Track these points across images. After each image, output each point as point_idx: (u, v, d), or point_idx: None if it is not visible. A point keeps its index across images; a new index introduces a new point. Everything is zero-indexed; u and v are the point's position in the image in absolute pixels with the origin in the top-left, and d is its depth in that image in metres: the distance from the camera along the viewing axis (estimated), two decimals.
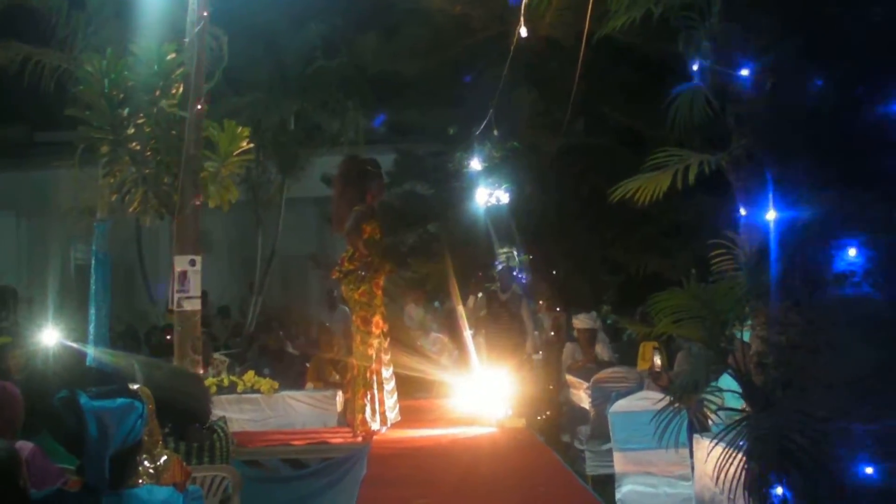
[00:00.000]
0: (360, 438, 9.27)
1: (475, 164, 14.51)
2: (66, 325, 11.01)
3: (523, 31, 9.20)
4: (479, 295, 13.02)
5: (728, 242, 5.11)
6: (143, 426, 4.03)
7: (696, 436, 5.58)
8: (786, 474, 4.36)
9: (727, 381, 5.19)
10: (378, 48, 15.96)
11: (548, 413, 11.89)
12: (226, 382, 10.40)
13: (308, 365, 11.73)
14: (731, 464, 4.55)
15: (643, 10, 5.16)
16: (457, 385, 10.72)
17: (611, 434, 8.20)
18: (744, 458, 4.52)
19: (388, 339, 9.75)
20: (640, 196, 5.24)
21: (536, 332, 12.86)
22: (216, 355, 12.74)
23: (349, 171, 9.76)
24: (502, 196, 14.60)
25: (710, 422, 5.40)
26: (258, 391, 10.35)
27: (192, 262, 8.72)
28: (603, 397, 9.77)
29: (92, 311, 10.71)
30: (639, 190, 5.23)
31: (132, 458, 3.96)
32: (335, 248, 21.69)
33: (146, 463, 4.30)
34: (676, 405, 4.92)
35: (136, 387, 4.44)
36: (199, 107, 8.89)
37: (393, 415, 9.64)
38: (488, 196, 14.65)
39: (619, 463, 7.99)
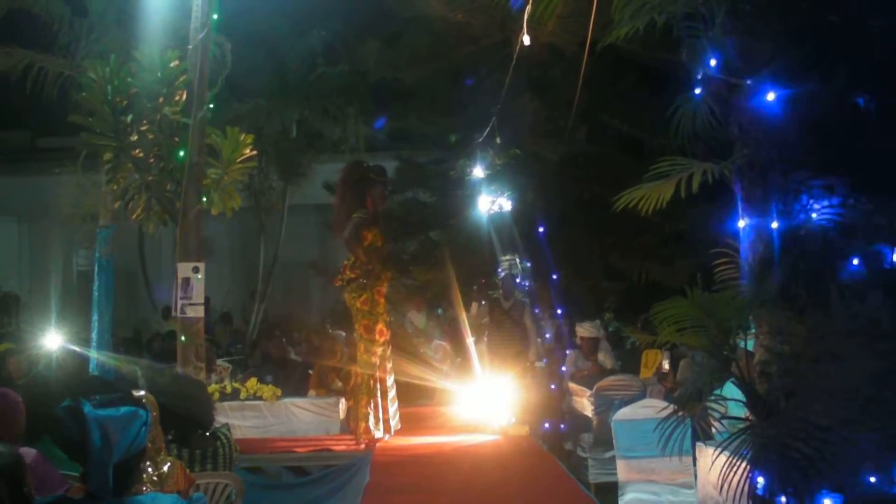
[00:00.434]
0: (362, 446, 9.26)
1: (477, 172, 14.50)
2: (68, 331, 11.03)
3: (526, 39, 9.18)
4: (482, 302, 13.01)
5: (730, 251, 5.11)
6: (147, 434, 4.02)
7: (699, 444, 5.57)
8: (789, 483, 4.36)
9: (730, 390, 5.19)
10: (380, 55, 16.00)
11: (551, 421, 11.87)
12: (229, 389, 10.39)
13: (311, 372, 11.71)
14: (735, 472, 4.55)
15: (647, 19, 5.15)
16: (459, 392, 10.71)
17: (614, 442, 8.20)
18: (748, 467, 4.51)
19: (390, 347, 9.75)
20: (644, 205, 5.24)
21: (539, 340, 12.86)
22: (219, 362, 12.75)
23: (350, 176, 9.73)
24: (504, 203, 14.57)
25: (713, 430, 5.39)
26: (261, 398, 10.33)
27: (196, 269, 8.71)
28: (606, 405, 9.77)
29: (94, 317, 10.73)
30: (642, 199, 5.23)
31: (136, 465, 3.95)
32: (337, 255, 21.70)
33: (150, 470, 4.30)
34: (681, 413, 4.92)
35: (140, 394, 4.45)
36: (202, 113, 8.89)
37: (394, 423, 9.64)
38: (490, 203, 14.62)
39: (623, 471, 7.99)
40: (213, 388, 9.95)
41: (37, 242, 23.46)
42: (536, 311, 13.74)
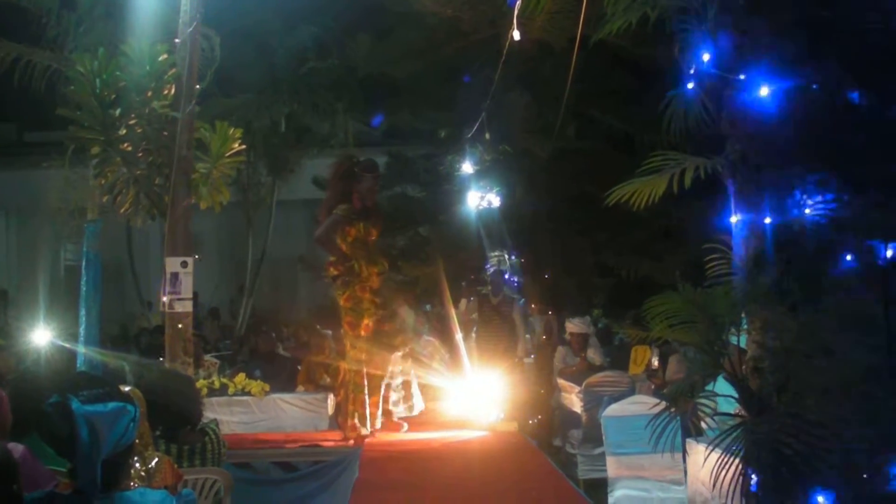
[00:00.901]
0: (351, 442, 9.23)
1: (467, 168, 14.49)
2: (56, 326, 10.97)
3: (516, 35, 9.16)
4: (471, 298, 12.99)
5: (722, 247, 5.08)
6: (136, 429, 3.98)
7: (689, 440, 5.56)
8: (782, 480, 4.34)
9: (722, 386, 5.17)
10: (369, 51, 15.96)
11: (539, 417, 11.86)
12: (217, 384, 10.33)
13: (299, 367, 11.67)
14: (727, 469, 4.53)
15: (640, 13, 5.13)
16: (448, 388, 10.68)
17: (604, 438, 8.18)
18: (740, 463, 4.49)
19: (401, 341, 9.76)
20: (636, 200, 5.21)
21: (528, 336, 12.85)
22: (207, 357, 12.69)
23: (336, 172, 9.69)
24: (494, 199, 14.56)
25: (703, 426, 5.38)
26: (249, 393, 10.28)
27: (184, 264, 8.67)
28: (595, 401, 9.75)
29: (82, 312, 10.66)
30: (634, 193, 5.21)
31: (124, 461, 3.91)
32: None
33: (137, 465, 4.26)
34: (672, 410, 4.90)
35: (127, 389, 4.40)
36: (190, 107, 8.83)
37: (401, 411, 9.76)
38: (480, 199, 14.61)
39: (612, 467, 7.98)
40: (201, 383, 9.89)
41: (24, 237, 23.36)
42: (521, 303, 13.74)
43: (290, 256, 20.96)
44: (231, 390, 10.27)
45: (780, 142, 4.61)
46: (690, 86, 5.06)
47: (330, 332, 13.58)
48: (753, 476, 4.49)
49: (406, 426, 9.79)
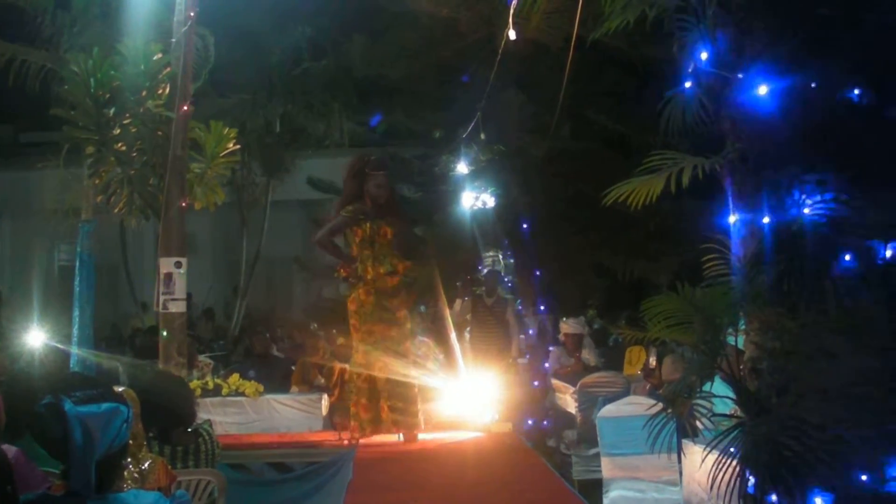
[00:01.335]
0: (345, 442, 9.18)
1: (462, 168, 14.45)
2: (50, 327, 10.92)
3: (511, 35, 9.14)
4: (465, 299, 12.96)
5: (720, 247, 5.04)
6: (129, 430, 3.95)
7: (685, 441, 5.51)
8: (780, 481, 4.30)
9: (719, 387, 5.14)
10: (365, 51, 15.88)
11: (534, 418, 11.84)
12: (210, 385, 10.28)
13: (293, 368, 11.63)
14: (725, 470, 4.49)
15: (638, 12, 5.09)
16: (442, 389, 10.64)
17: (598, 439, 8.14)
18: (737, 465, 4.46)
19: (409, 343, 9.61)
20: (633, 199, 5.17)
21: (522, 336, 12.82)
22: (201, 358, 12.64)
23: (350, 171, 9.59)
24: (488, 200, 14.53)
25: (699, 427, 5.34)
26: (243, 394, 10.23)
27: (178, 264, 8.62)
28: (589, 402, 9.73)
29: (76, 312, 10.62)
30: (632, 193, 5.16)
31: (118, 462, 3.88)
32: (319, 250, 21.68)
33: (131, 467, 4.22)
34: (669, 410, 4.86)
35: (121, 389, 4.36)
36: (185, 107, 8.79)
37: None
38: (474, 199, 14.57)
39: (607, 468, 7.93)
40: (194, 383, 9.85)
41: (18, 237, 23.29)
42: (520, 307, 13.71)
43: (285, 257, 20.92)
44: (225, 391, 10.23)
45: (779, 141, 4.58)
46: (689, 85, 5.02)
47: (322, 332, 13.57)
48: (751, 477, 4.45)
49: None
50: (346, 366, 11.54)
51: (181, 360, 8.67)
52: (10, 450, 4.28)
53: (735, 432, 4.55)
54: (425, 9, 12.78)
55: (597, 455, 8.42)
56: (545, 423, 11.81)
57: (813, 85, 4.50)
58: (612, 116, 14.23)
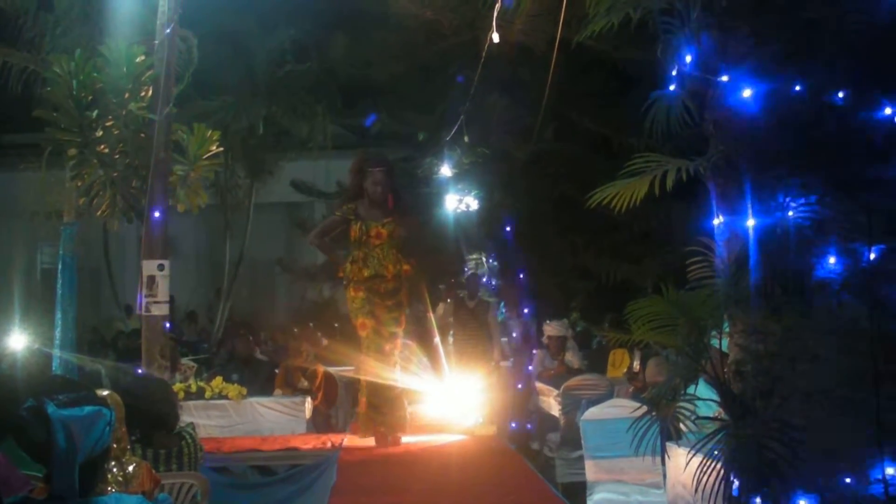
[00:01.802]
0: (328, 445, 9.16)
1: (445, 170, 14.43)
2: (32, 330, 10.87)
3: (495, 37, 9.14)
4: (448, 301, 12.96)
5: (704, 249, 5.05)
6: (112, 433, 3.93)
7: (669, 443, 5.52)
8: (765, 484, 4.31)
9: (703, 390, 5.14)
10: (348, 53, 15.86)
11: (518, 420, 11.85)
12: (193, 388, 10.25)
13: (276, 371, 11.61)
14: (709, 473, 4.49)
15: (622, 14, 5.09)
16: (426, 392, 10.63)
17: (582, 442, 8.13)
18: (722, 468, 4.46)
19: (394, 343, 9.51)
20: (617, 202, 5.16)
21: (505, 339, 12.82)
22: (184, 361, 12.61)
23: (351, 169, 9.54)
24: (472, 202, 14.52)
25: (683, 430, 5.34)
26: (226, 397, 10.21)
27: (161, 267, 8.60)
28: (573, 405, 9.72)
29: (58, 315, 10.57)
30: (616, 196, 5.16)
31: (101, 465, 3.87)
32: (303, 253, 21.65)
33: (115, 470, 4.21)
34: (653, 413, 4.86)
35: (104, 393, 4.34)
36: (168, 110, 8.76)
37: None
38: (458, 202, 14.57)
39: (591, 471, 7.93)
40: (177, 386, 9.81)
41: (0, 240, 23.16)
42: (503, 310, 13.71)
43: (268, 259, 20.89)
44: (208, 394, 10.20)
45: (763, 143, 4.58)
46: (673, 87, 5.02)
47: (305, 335, 13.54)
48: (735, 480, 4.45)
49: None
50: (330, 369, 11.57)
51: (164, 362, 8.64)
52: None
53: (719, 435, 4.55)
54: (408, 11, 12.78)
55: (580, 458, 8.41)
56: (529, 425, 11.82)
57: (797, 88, 4.50)
58: (596, 119, 14.26)
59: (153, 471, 4.61)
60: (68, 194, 10.51)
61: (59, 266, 10.70)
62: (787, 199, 4.49)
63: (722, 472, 4.46)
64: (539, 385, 11.54)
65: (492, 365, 11.97)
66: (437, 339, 11.56)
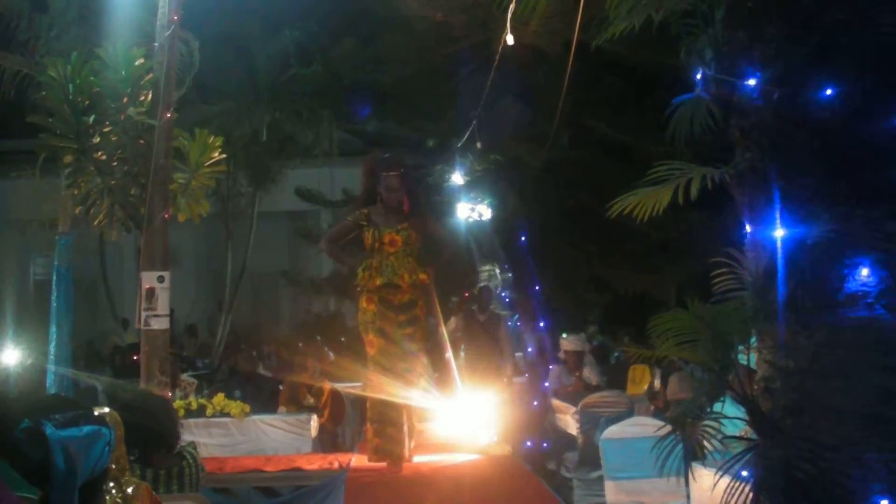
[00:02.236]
0: (335, 465, 9.14)
1: (456, 178, 14.45)
2: (25, 345, 10.87)
3: (509, 40, 9.12)
4: (459, 315, 12.92)
5: (729, 260, 5.03)
6: (111, 453, 3.92)
7: (694, 464, 5.50)
8: None
9: (728, 408, 5.12)
10: (355, 56, 15.92)
11: (534, 439, 11.81)
12: (194, 405, 10.26)
13: (281, 388, 11.60)
14: (736, 495, 4.47)
15: (644, 16, 5.08)
16: (437, 409, 10.60)
17: (602, 462, 8.13)
18: (750, 490, 4.43)
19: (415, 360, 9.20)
20: (639, 212, 5.15)
21: (520, 354, 12.80)
22: (184, 377, 12.60)
23: (363, 171, 9.35)
24: (484, 211, 14.53)
25: (709, 449, 5.32)
26: (228, 415, 10.21)
27: (161, 279, 8.58)
28: (592, 423, 9.70)
29: (53, 329, 10.57)
30: (637, 205, 5.14)
31: (99, 487, 3.86)
32: (308, 264, 21.70)
33: (113, 492, 4.20)
34: (677, 432, 4.84)
35: (102, 411, 4.33)
36: (168, 115, 8.76)
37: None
38: (470, 211, 14.57)
39: (611, 492, 7.92)
40: (177, 403, 9.82)
41: None
42: (519, 323, 13.68)
43: (272, 271, 20.93)
44: (209, 411, 10.20)
45: (792, 150, 4.56)
46: (696, 92, 5.01)
47: (311, 349, 13.54)
48: (764, 502, 4.42)
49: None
50: (336, 385, 11.54)
51: (164, 378, 8.62)
52: None
53: (747, 455, 4.52)
54: (417, 12, 12.80)
55: (600, 479, 8.40)
56: (545, 444, 11.78)
57: (828, 92, 4.48)
58: (613, 125, 14.28)
59: (153, 492, 4.60)
60: (64, 203, 10.52)
61: (54, 278, 10.70)
62: (818, 209, 4.46)
63: (749, 494, 4.44)
64: (555, 402, 11.51)
65: (504, 381, 11.95)
66: (450, 354, 11.53)
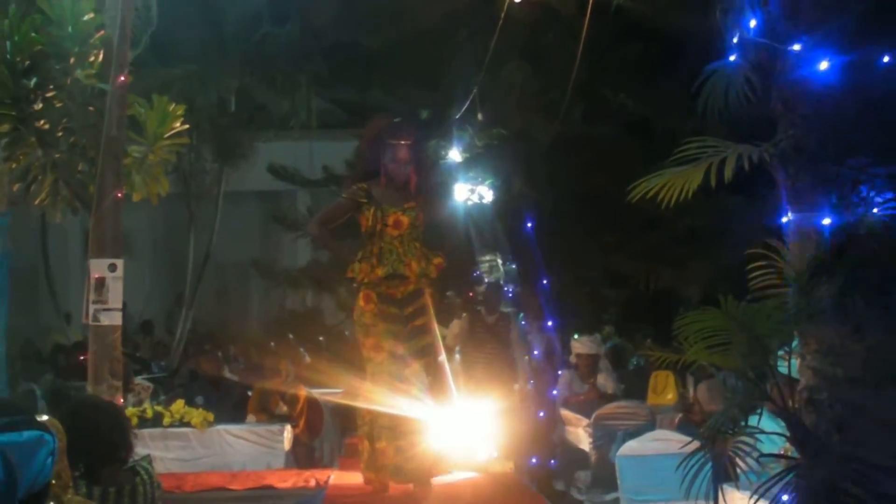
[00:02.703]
0: (312, 482, 9.14)
1: (454, 155, 14.44)
2: None
3: None
4: (464, 316, 12.88)
5: (767, 252, 5.02)
6: (54, 465, 3.91)
7: (725, 486, 5.50)
8: None
9: (766, 422, 5.12)
10: (337, 15, 15.88)
11: (540, 455, 11.84)
12: (149, 413, 10.25)
13: (249, 394, 11.61)
14: None
15: None
16: (431, 421, 10.61)
17: (618, 482, 8.14)
18: None
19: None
20: (665, 195, 5.13)
21: (526, 357, 12.80)
22: (138, 380, 12.61)
23: (364, 137, 8.77)
24: (485, 193, 14.53)
25: (743, 469, 5.33)
26: (189, 424, 10.21)
27: (112, 267, 8.56)
28: (607, 437, 9.73)
29: None
30: (664, 188, 5.13)
31: (40, 503, 3.84)
32: (282, 252, 21.71)
33: None
34: (706, 449, 4.84)
35: (43, 419, 4.32)
36: (122, 78, 8.74)
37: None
38: (469, 193, 14.57)
39: None
40: (130, 411, 9.82)
41: None
42: (524, 323, 13.69)
43: (241, 260, 20.93)
44: (167, 420, 10.20)
45: (842, 126, 4.56)
46: (733, 58, 5.00)
47: (285, 351, 13.55)
48: None
49: None
50: (313, 392, 11.53)
51: (114, 382, 8.60)
52: None
53: (787, 476, 4.53)
54: None
55: (615, 501, 8.42)
56: (552, 461, 11.81)
57: (884, 59, 4.48)
58: (634, 95, 14.27)
59: None
60: (0, 179, 10.51)
61: None
62: (871, 193, 4.46)
63: None
64: (565, 413, 11.53)
65: (514, 389, 11.95)
66: (443, 357, 11.52)
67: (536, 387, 12.88)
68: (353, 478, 9.40)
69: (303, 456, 11.13)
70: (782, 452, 4.99)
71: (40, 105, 8.98)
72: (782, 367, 4.88)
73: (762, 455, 4.91)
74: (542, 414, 12.43)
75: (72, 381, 11.29)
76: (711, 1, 5.24)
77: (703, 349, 4.85)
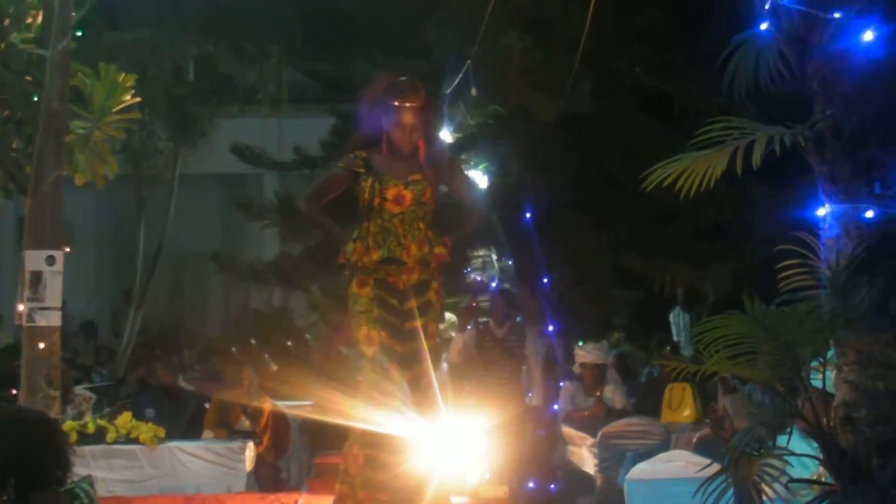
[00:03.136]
0: None
1: (444, 135, 14.46)
2: None
3: None
4: (469, 326, 12.86)
5: (801, 249, 5.03)
6: None
7: None
8: None
9: (797, 442, 5.13)
10: None
11: (538, 478, 11.86)
12: (91, 428, 10.26)
13: (207, 406, 11.61)
14: None
15: None
16: (414, 438, 10.63)
17: None
18: None
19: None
20: (685, 183, 5.12)
21: (524, 367, 12.81)
22: (78, 389, 12.60)
23: (366, 98, 8.20)
24: (479, 178, 14.54)
25: (770, 496, 5.34)
26: (137, 441, 10.22)
27: (51, 260, 8.57)
28: (615, 458, 9.77)
29: None
30: (683, 174, 5.12)
31: None
32: (246, 244, 21.69)
33: None
34: (729, 472, 4.84)
35: None
36: (64, 44, 8.73)
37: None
38: None
39: None
40: (69, 425, 9.83)
41: None
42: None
43: (199, 252, 20.90)
44: (111, 436, 10.22)
45: (888, 107, 4.56)
46: (764, 27, 5.00)
47: (248, 356, 13.56)
48: None
49: None
50: (280, 404, 11.53)
51: (51, 392, 8.61)
52: None
53: None
54: None
55: None
56: (552, 486, 11.83)
57: None
58: (650, 69, 14.27)
59: None
60: None
61: None
62: None
63: None
64: (567, 430, 11.56)
65: (525, 408, 11.96)
66: (428, 365, 11.50)
67: (535, 400, 12.91)
68: (323, 502, 9.41)
69: (267, 477, 11.15)
70: (815, 477, 5.00)
71: None
72: (816, 381, 4.89)
73: (792, 480, 4.91)
74: (541, 432, 12.44)
75: (1, 391, 11.26)
76: None
77: (726, 359, 4.84)
